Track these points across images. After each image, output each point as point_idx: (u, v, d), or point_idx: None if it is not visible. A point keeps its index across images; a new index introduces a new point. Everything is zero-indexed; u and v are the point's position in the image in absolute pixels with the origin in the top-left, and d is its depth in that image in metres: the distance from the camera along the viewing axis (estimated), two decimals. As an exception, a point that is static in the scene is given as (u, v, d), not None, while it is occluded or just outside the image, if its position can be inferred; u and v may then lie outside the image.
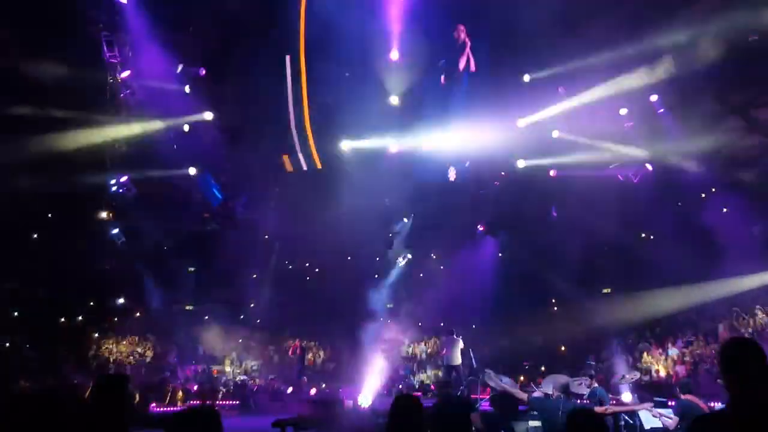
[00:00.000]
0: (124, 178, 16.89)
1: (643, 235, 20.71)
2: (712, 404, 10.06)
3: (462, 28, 14.85)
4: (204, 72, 16.47)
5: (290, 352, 18.90)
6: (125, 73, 15.47)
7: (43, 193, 19.47)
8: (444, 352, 15.93)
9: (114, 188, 17.11)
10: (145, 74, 15.79)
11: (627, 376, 11.91)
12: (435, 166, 17.95)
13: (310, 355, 23.41)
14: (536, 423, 9.06)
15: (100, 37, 14.97)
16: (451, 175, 17.73)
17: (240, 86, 16.66)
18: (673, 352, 18.04)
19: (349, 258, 24.46)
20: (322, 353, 24.41)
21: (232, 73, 16.92)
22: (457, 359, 15.49)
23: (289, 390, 18.07)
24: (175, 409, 13.96)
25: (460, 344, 15.59)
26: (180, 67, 16.28)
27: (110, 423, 3.62)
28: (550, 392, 8.88)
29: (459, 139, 16.82)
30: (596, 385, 9.34)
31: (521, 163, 18.75)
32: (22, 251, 20.11)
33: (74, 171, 19.07)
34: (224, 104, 17.51)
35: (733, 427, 2.51)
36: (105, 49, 15.05)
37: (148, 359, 20.27)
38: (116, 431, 3.65)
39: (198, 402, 15.96)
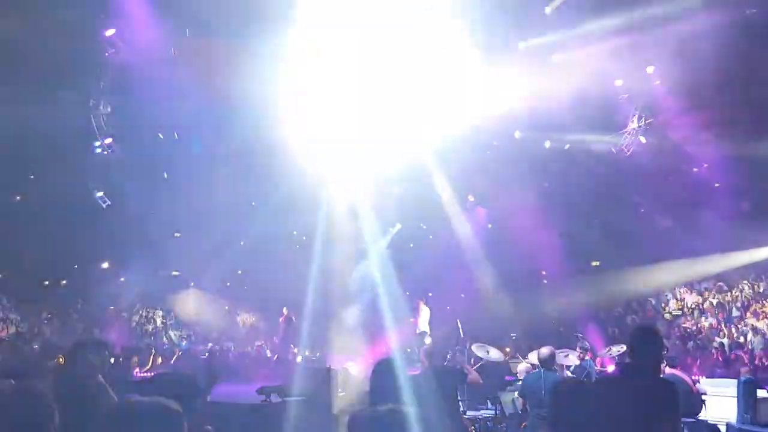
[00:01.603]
0: (108, 140, 16.49)
1: (634, 208, 20.60)
2: (696, 377, 10.06)
3: None
4: (189, 32, 16.02)
5: (282, 320, 18.88)
6: (110, 32, 14.99)
7: (25, 155, 19.09)
8: (413, 319, 15.84)
9: (98, 150, 16.71)
10: (130, 33, 15.32)
11: (613, 348, 11.89)
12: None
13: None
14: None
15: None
16: None
17: (227, 47, 16.21)
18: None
19: (336, 227, 24.30)
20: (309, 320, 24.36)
21: (218, 34, 16.47)
22: (421, 327, 15.33)
23: (275, 357, 18.04)
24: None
25: (425, 311, 15.39)
26: (166, 27, 15.80)
27: (83, 386, 3.48)
28: (536, 363, 8.80)
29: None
30: (586, 358, 9.29)
31: (517, 134, 18.51)
32: (5, 214, 19.79)
33: (57, 132, 18.69)
34: (210, 66, 17.07)
35: (623, 384, 3.60)
36: (90, 5, 14.55)
37: (133, 324, 20.15)
38: (89, 394, 3.51)
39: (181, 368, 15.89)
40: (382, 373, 3.93)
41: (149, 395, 2.21)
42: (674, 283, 19.59)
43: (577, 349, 9.67)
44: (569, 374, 9.77)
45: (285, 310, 19.28)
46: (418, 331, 15.36)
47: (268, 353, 19.00)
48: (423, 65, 16.68)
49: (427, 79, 16.87)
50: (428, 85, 16.90)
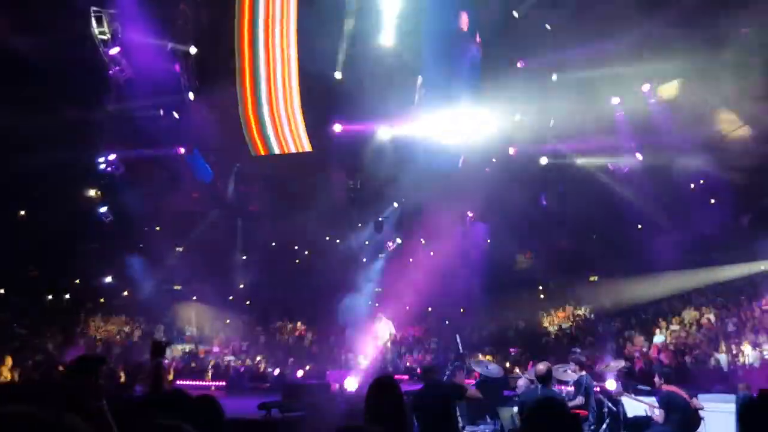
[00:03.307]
0: (112, 156, 16.71)
1: (631, 223, 20.75)
2: (692, 393, 10.11)
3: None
4: (194, 50, 16.27)
5: (297, 333, 18.91)
6: (114, 50, 15.21)
7: (30, 170, 19.29)
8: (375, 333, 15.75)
9: (102, 166, 16.92)
10: (134, 51, 15.56)
11: (612, 363, 11.93)
12: (429, 152, 17.91)
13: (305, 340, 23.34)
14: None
15: (89, 12, 14.71)
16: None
17: (228, 65, 16.46)
18: (659, 339, 18.18)
19: (338, 241, 24.46)
20: (310, 335, 24.45)
21: (221, 51, 16.74)
22: (381, 340, 15.25)
23: (276, 372, 18.10)
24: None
25: (386, 325, 15.30)
26: (170, 45, 16.06)
27: (83, 404, 3.57)
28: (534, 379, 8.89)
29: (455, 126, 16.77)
30: (583, 372, 9.35)
31: (511, 151, 18.72)
32: (9, 229, 19.94)
33: (62, 148, 18.90)
34: (214, 83, 17.34)
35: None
36: (94, 24, 14.78)
37: (135, 339, 20.21)
38: (89, 412, 3.60)
39: (184, 382, 15.96)
40: (379, 391, 3.95)
41: (171, 416, 2.30)
42: (670, 296, 19.68)
43: (571, 364, 9.73)
44: (567, 389, 9.84)
45: (299, 324, 19.39)
46: (378, 344, 15.32)
47: (269, 368, 19.05)
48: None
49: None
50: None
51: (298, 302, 24.15)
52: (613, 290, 21.05)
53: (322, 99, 17.13)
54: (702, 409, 8.74)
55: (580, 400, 8.77)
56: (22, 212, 20.11)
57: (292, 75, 16.17)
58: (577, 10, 15.33)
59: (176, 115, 17.02)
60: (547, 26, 16.15)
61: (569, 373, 9.84)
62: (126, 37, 15.19)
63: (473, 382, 12.41)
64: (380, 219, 22.49)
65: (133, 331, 20.51)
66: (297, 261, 25.35)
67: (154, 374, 4.39)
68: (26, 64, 15.22)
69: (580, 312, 22.71)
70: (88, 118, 16.43)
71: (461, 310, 22.47)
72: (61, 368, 13.16)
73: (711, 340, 16.79)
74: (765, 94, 15.07)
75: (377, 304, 19.96)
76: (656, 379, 9.06)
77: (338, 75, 16.46)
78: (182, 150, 17.63)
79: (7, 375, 11.70)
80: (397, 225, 22.83)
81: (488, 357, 17.06)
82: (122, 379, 13.25)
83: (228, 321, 22.97)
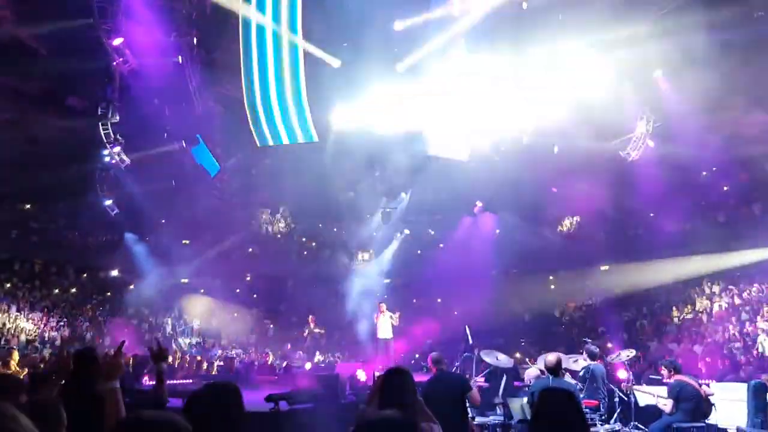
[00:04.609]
0: (117, 149, 16.61)
1: (643, 211, 20.53)
2: (704, 381, 9.98)
3: None
4: (197, 40, 16.17)
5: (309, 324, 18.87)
6: (118, 41, 15.12)
7: (35, 163, 19.30)
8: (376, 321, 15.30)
9: (107, 158, 16.85)
10: (137, 42, 15.47)
11: (623, 353, 11.78)
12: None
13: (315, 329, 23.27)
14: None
15: (92, 3, 14.60)
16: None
17: (233, 55, 16.34)
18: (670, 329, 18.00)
19: (344, 232, 24.39)
20: (319, 326, 24.38)
21: (225, 41, 16.63)
22: (383, 332, 14.81)
23: (284, 364, 18.05)
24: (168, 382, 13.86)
25: (388, 316, 14.88)
26: (173, 36, 15.96)
27: (85, 395, 3.51)
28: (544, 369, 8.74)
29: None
30: (593, 362, 9.19)
31: (525, 139, 18.47)
32: (16, 222, 19.99)
33: (67, 141, 18.89)
34: (217, 73, 17.23)
35: None
36: (97, 15, 14.69)
37: (142, 331, 20.20)
38: (91, 404, 3.53)
39: (191, 375, 15.94)
40: (391, 379, 3.87)
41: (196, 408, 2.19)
42: (683, 282, 19.46)
43: (583, 354, 9.58)
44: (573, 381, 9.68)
45: (311, 318, 19.32)
46: (379, 336, 14.98)
47: (277, 360, 19.01)
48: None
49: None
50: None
51: (306, 294, 24.11)
52: (625, 279, 20.86)
53: (327, 88, 16.95)
54: (713, 395, 8.68)
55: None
56: (28, 206, 20.15)
57: (298, 65, 16.05)
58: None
59: (181, 106, 16.92)
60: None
61: (580, 362, 9.72)
62: (129, 27, 15.08)
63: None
64: (388, 210, 22.35)
65: (140, 324, 20.49)
66: (305, 253, 25.32)
67: (157, 378, 4.34)
68: (30, 53, 15.19)
69: (591, 302, 22.54)
70: (92, 111, 16.36)
71: (470, 301, 22.35)
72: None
73: (724, 328, 16.60)
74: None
75: (386, 296, 19.81)
76: (663, 371, 8.98)
77: (337, 62, 16.32)
78: (183, 143, 17.56)
79: (14, 370, 11.65)
80: (405, 215, 22.69)
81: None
82: (131, 372, 13.17)
83: (236, 314, 22.95)
